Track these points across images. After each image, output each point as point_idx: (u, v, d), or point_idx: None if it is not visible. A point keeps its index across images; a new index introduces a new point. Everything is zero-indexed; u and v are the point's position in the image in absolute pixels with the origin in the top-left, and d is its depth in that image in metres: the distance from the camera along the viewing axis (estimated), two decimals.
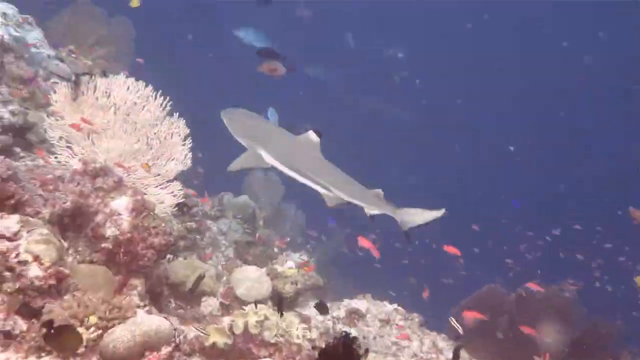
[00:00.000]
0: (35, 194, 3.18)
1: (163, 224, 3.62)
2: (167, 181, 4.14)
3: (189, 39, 17.82)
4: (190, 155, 4.20)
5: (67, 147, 3.94)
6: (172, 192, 4.10)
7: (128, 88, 4.07)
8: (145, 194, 3.89)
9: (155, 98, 4.12)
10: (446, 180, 20.51)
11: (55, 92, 4.06)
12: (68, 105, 4.01)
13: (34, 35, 5.60)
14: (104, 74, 4.20)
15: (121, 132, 4.04)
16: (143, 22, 7.37)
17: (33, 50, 5.48)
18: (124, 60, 6.85)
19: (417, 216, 4.32)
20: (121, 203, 3.52)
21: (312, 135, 4.17)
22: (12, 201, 3.02)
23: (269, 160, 4.19)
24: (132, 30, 7.00)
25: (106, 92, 4.04)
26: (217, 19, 18.37)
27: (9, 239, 2.81)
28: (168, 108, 4.15)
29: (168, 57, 15.08)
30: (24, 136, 4.78)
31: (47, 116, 4.88)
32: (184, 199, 4.52)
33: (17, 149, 4.51)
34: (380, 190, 4.34)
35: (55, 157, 3.90)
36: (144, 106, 4.09)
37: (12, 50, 5.14)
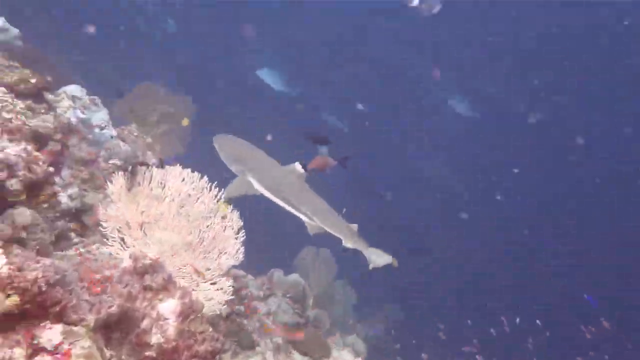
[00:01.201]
0: (82, 299, 3.04)
1: (210, 329, 3.39)
2: (218, 276, 3.96)
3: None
4: (242, 249, 4.03)
5: (120, 237, 3.86)
6: (222, 289, 3.90)
7: (183, 179, 4.00)
8: (194, 290, 3.72)
9: (210, 190, 4.02)
10: None
11: (113, 176, 4.06)
12: (124, 194, 3.96)
13: (100, 116, 5.76)
14: (161, 164, 4.16)
15: (174, 223, 3.94)
16: (201, 100, 7.62)
17: (97, 131, 5.61)
18: (184, 137, 6.97)
19: (380, 258, 4.74)
20: (169, 306, 3.33)
21: (297, 166, 4.43)
22: (58, 308, 2.89)
23: (258, 188, 4.45)
24: (192, 108, 7.15)
25: (161, 183, 3.99)
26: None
27: (50, 353, 2.66)
28: (222, 200, 4.03)
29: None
30: (80, 219, 4.80)
31: (104, 198, 4.87)
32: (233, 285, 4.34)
33: (72, 234, 4.50)
34: (355, 225, 4.64)
35: (107, 248, 3.83)
36: (198, 198, 3.99)
37: (77, 132, 5.27)
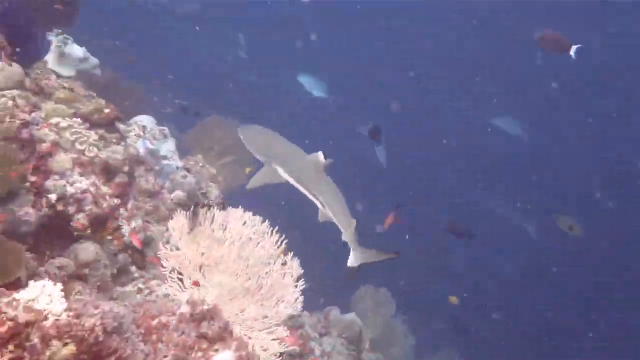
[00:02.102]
0: (137, 349, 2.96)
1: None
2: (275, 325, 3.79)
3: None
4: (302, 298, 3.85)
5: (179, 279, 3.79)
6: (279, 339, 3.72)
7: (244, 222, 3.89)
8: (250, 338, 3.58)
9: (271, 234, 3.89)
10: None
11: (175, 213, 4.03)
12: (185, 234, 3.90)
13: (167, 146, 5.84)
14: (223, 207, 4.10)
15: (234, 267, 3.82)
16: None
17: (163, 162, 5.68)
18: (248, 167, 6.98)
19: (371, 255, 4.47)
20: (224, 358, 3.19)
21: (320, 155, 4.40)
22: (113, 358, 2.82)
23: (283, 175, 4.51)
24: None
25: (223, 225, 3.90)
26: None
27: None
28: (283, 246, 3.89)
29: None
30: (141, 251, 4.81)
31: (166, 231, 4.85)
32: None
33: (133, 268, 4.49)
34: (354, 220, 4.49)
35: (166, 288, 3.77)
36: (258, 242, 3.87)
37: (145, 163, 5.34)
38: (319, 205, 4.57)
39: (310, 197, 4.56)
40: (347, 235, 4.48)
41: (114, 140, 5.35)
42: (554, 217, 10.49)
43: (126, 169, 4.88)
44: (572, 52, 7.96)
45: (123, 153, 4.95)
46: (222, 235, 3.87)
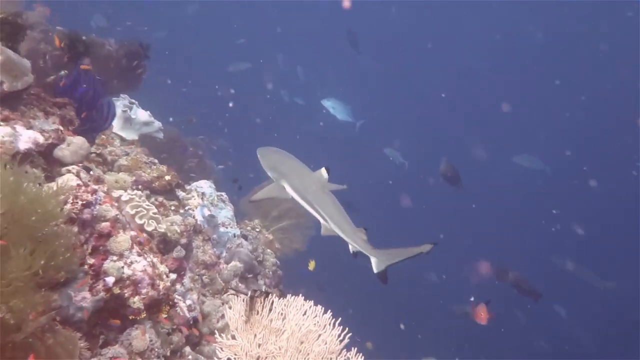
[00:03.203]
0: None
1: None
2: None
3: None
4: None
5: None
6: None
7: (305, 312, 3.63)
8: None
9: (333, 327, 3.60)
10: None
11: (232, 299, 3.83)
12: (241, 323, 3.68)
13: (225, 213, 5.74)
14: (282, 294, 3.87)
15: None
16: None
17: (221, 229, 5.57)
18: (304, 233, 6.78)
19: (395, 254, 4.61)
20: None
21: (323, 172, 4.60)
22: None
23: (289, 191, 4.72)
24: None
25: (281, 314, 3.65)
26: None
27: None
28: (346, 340, 3.59)
29: None
30: (196, 326, 4.64)
31: (222, 304, 4.67)
32: None
33: (187, 350, 4.30)
34: (363, 229, 4.66)
35: None
36: (319, 335, 3.58)
37: (202, 232, 5.24)
38: (321, 220, 4.73)
39: (312, 211, 4.74)
40: (360, 244, 4.60)
41: (173, 208, 5.31)
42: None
43: (184, 241, 4.79)
44: None
45: (181, 224, 4.87)
46: (280, 325, 3.62)
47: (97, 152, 5.31)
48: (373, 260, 4.63)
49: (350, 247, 4.71)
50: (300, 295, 3.73)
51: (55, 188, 3.10)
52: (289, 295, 3.74)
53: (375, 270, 4.62)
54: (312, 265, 6.40)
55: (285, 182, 4.70)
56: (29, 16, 4.83)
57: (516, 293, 10.85)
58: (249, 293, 3.73)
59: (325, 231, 4.77)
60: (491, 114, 24.70)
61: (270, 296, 3.70)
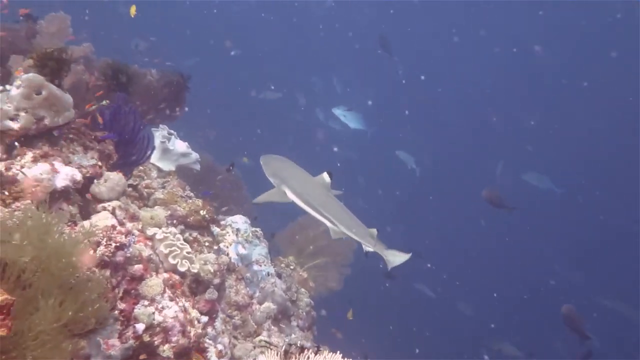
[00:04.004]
0: None
1: None
2: None
3: None
4: None
5: None
6: None
7: None
8: None
9: None
10: None
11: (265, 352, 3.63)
12: None
13: (259, 250, 5.58)
14: (317, 350, 3.64)
15: None
16: None
17: (255, 268, 5.40)
18: (340, 272, 6.55)
19: (397, 257, 5.09)
20: None
21: (325, 176, 4.87)
22: None
23: (290, 196, 4.97)
24: (353, 244, 6.72)
25: None
26: None
27: None
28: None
29: None
30: None
31: (254, 348, 4.49)
32: None
33: None
34: (374, 230, 4.96)
35: None
36: None
37: (235, 272, 5.08)
38: (329, 224, 4.96)
39: (317, 215, 4.96)
40: (374, 246, 4.93)
41: (207, 244, 5.18)
42: None
43: (217, 281, 4.63)
44: None
45: (215, 262, 4.72)
46: None
47: (135, 184, 5.26)
48: (387, 258, 5.08)
49: (363, 247, 5.06)
50: (338, 352, 3.49)
51: (85, 230, 3.00)
52: (325, 352, 3.51)
53: (389, 267, 5.10)
54: (350, 315, 6.20)
55: (286, 187, 4.97)
56: (74, 51, 4.85)
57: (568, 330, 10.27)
58: (284, 347, 3.53)
59: (334, 234, 4.98)
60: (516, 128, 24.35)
61: (305, 351, 3.48)
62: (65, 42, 5.19)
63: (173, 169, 6.22)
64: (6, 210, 3.11)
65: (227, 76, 22.85)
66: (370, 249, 5.02)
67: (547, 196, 19.49)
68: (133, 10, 8.27)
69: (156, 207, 5.08)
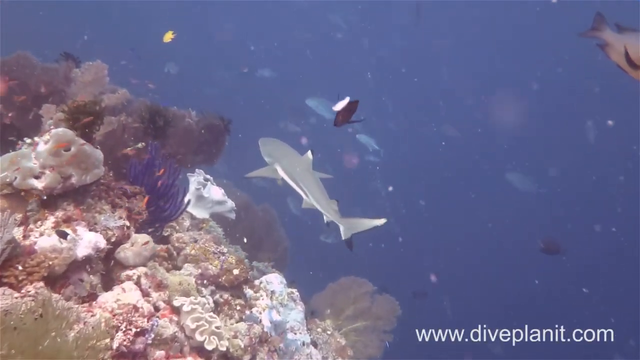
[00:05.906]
0: None
1: None
2: None
3: None
4: None
5: None
6: None
7: None
8: None
9: None
10: None
11: None
12: None
13: (294, 315, 5.10)
14: None
15: None
16: None
17: (289, 336, 4.93)
18: (381, 338, 5.99)
19: (358, 224, 5.33)
20: None
21: (309, 154, 5.42)
22: None
23: (280, 172, 5.55)
24: (397, 309, 6.16)
25: None
26: None
27: None
28: None
29: None
30: None
31: None
32: None
33: None
34: (335, 200, 5.34)
35: None
36: None
37: (268, 343, 4.61)
38: (302, 195, 5.40)
39: (296, 187, 5.43)
40: (331, 213, 5.24)
41: (239, 307, 4.76)
42: None
43: (247, 358, 4.18)
44: None
45: (246, 334, 4.28)
46: None
47: (165, 234, 4.93)
48: (342, 227, 5.29)
49: (324, 217, 5.38)
50: None
51: (89, 331, 2.59)
52: None
53: (343, 237, 5.29)
54: None
55: (277, 165, 5.53)
56: (109, 99, 4.58)
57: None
58: None
59: (305, 204, 5.45)
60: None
61: None
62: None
63: (207, 216, 5.87)
64: (15, 295, 2.75)
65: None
66: (329, 219, 5.33)
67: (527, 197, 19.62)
68: (169, 36, 8.10)
69: (186, 265, 4.71)
